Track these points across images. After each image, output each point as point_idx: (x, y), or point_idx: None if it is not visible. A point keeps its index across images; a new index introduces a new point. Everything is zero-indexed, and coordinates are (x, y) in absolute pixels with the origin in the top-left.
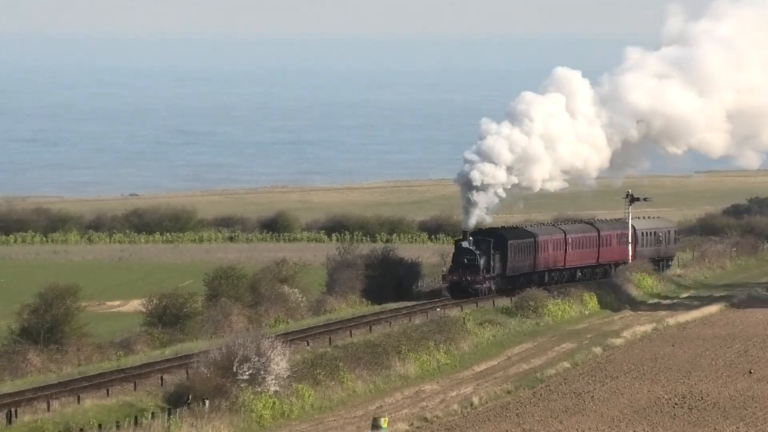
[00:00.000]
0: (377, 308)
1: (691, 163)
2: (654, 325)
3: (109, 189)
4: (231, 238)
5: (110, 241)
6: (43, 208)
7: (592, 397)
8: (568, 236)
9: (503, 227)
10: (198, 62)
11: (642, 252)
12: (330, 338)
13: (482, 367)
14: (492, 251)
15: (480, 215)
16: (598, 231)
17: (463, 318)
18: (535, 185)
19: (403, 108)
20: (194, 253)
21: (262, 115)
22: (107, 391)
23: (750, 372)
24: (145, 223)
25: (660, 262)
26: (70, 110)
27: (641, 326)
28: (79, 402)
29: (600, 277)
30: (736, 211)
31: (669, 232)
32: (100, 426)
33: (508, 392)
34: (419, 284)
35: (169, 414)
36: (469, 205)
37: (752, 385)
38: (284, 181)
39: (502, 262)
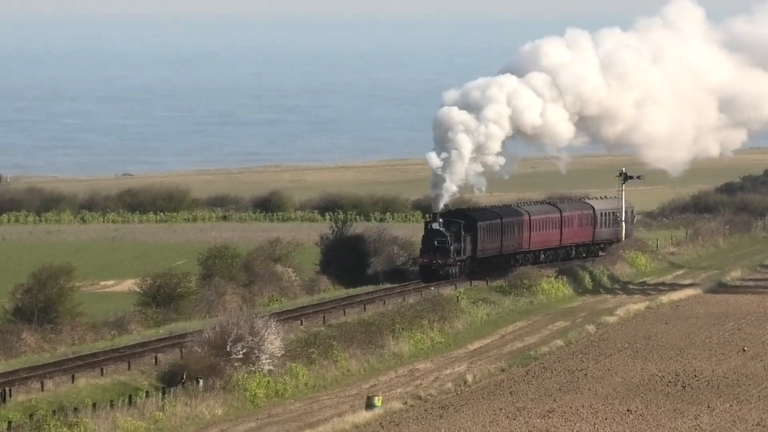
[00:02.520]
0: (371, 287)
1: None
2: (647, 303)
3: (103, 168)
4: (224, 218)
5: (104, 221)
6: (36, 187)
7: (586, 374)
8: (531, 217)
9: (472, 208)
10: (194, 42)
11: (600, 233)
12: (324, 317)
13: (476, 345)
14: (462, 233)
15: (453, 190)
16: (561, 212)
17: (457, 297)
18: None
19: (397, 87)
20: (188, 233)
21: (257, 94)
22: (101, 370)
23: (743, 350)
24: (138, 202)
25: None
26: (66, 91)
27: (634, 304)
28: (73, 381)
29: (562, 259)
30: (729, 188)
31: (627, 212)
32: (94, 405)
33: (502, 370)
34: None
35: (163, 393)
36: (439, 182)
37: (746, 362)
38: (277, 160)
39: (473, 244)
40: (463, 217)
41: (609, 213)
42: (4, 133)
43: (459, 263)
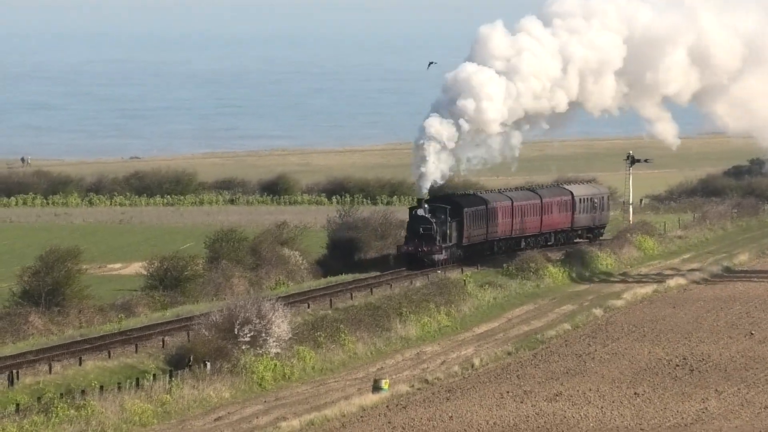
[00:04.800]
0: (376, 273)
1: (694, 123)
2: (655, 286)
3: (110, 151)
4: (232, 201)
5: (111, 204)
6: (43, 170)
7: (593, 358)
8: (515, 203)
9: (458, 194)
10: (205, 26)
11: (579, 219)
12: (331, 301)
13: (483, 328)
14: (448, 219)
15: (439, 176)
16: (541, 198)
17: (464, 280)
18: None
19: (406, 70)
20: (195, 216)
21: (265, 77)
22: (109, 353)
23: (751, 333)
24: (145, 185)
25: (594, 231)
26: (70, 74)
27: (642, 288)
28: (80, 364)
29: (542, 246)
30: (737, 172)
31: (603, 198)
32: (101, 388)
33: (509, 354)
34: None
35: (170, 376)
36: (423, 166)
37: (753, 346)
38: (284, 143)
39: (459, 231)
40: (449, 202)
41: (587, 199)
42: (22, 116)
43: (445, 251)
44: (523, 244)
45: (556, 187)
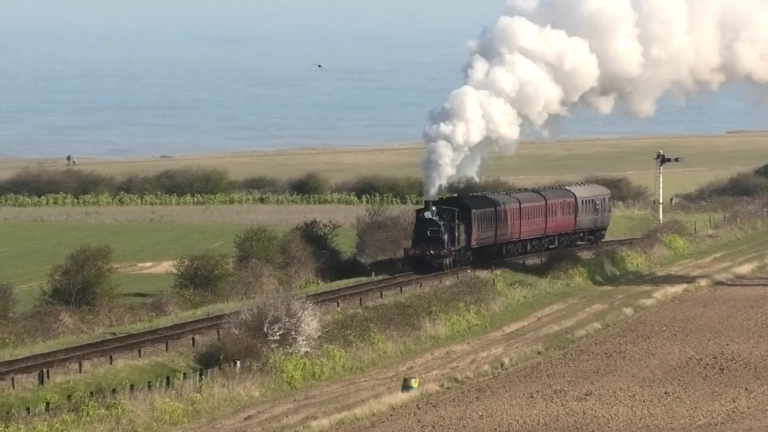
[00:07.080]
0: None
1: (723, 122)
2: (685, 286)
3: (141, 150)
4: (261, 200)
5: (141, 203)
6: (74, 169)
7: (623, 357)
8: (522, 205)
9: (466, 196)
10: (232, 25)
11: (581, 221)
12: (360, 299)
13: (513, 327)
14: (456, 222)
15: (449, 177)
16: (545, 200)
17: (494, 279)
18: None
19: (435, 67)
20: (225, 215)
21: (296, 77)
22: (139, 351)
23: None
24: (176, 184)
25: (596, 233)
26: (96, 72)
27: (672, 287)
28: (111, 362)
29: (546, 249)
30: None
31: (605, 199)
32: (132, 386)
33: (539, 353)
34: None
35: (200, 374)
36: (431, 169)
37: None
38: (314, 142)
39: (467, 234)
40: (457, 204)
41: (589, 201)
42: (58, 115)
43: (453, 254)
44: (529, 246)
45: (559, 189)
